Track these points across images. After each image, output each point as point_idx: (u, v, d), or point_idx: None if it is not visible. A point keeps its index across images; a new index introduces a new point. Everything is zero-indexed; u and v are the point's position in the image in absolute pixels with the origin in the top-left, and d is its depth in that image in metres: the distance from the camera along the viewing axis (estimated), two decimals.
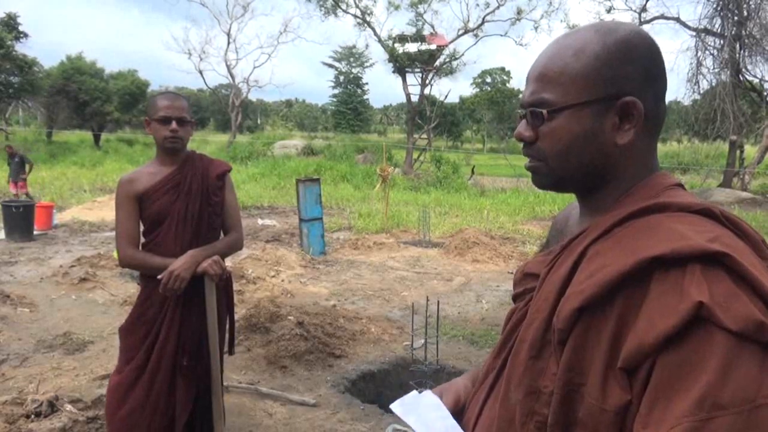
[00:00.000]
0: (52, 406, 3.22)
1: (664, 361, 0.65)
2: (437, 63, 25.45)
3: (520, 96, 0.92)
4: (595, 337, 0.72)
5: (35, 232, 8.74)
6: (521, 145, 0.91)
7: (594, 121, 0.82)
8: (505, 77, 48.56)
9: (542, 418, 0.77)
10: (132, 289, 6.03)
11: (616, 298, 0.71)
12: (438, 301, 4.90)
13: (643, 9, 20.57)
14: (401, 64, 24.84)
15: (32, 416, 3.14)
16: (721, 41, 18.44)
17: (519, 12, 24.21)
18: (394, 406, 1.03)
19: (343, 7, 24.93)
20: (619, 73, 0.81)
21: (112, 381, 2.39)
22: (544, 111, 0.84)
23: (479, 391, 0.97)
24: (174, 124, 2.30)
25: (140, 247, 2.40)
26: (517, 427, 0.81)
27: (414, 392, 1.08)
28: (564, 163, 0.86)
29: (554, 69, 0.84)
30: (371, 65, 50.96)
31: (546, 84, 0.85)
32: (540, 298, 0.83)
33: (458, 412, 1.03)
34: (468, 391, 1.07)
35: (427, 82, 25.63)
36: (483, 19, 24.35)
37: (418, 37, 24.98)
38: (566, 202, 0.98)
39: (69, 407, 3.25)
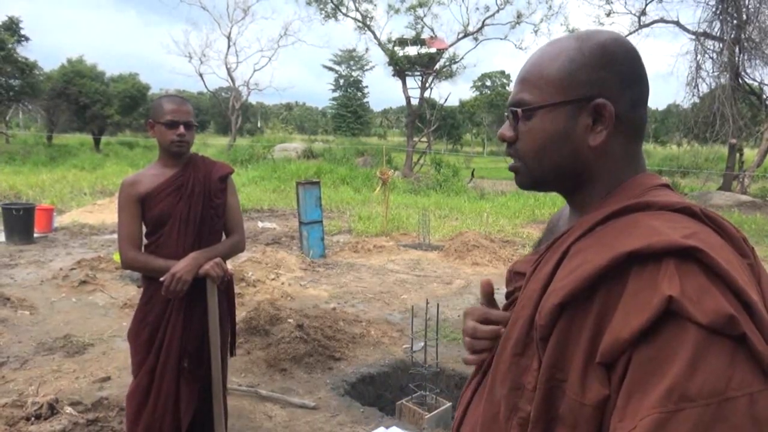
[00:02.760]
0: (52, 409, 3.22)
1: (639, 355, 0.67)
2: (437, 66, 25.49)
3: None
4: (576, 333, 0.73)
5: (35, 235, 8.74)
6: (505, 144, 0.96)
7: (567, 122, 0.86)
8: (504, 80, 48.64)
9: (525, 415, 0.79)
10: (132, 291, 6.03)
11: (596, 294, 0.73)
12: (438, 304, 4.91)
13: (643, 12, 20.62)
14: (401, 68, 24.88)
15: (32, 418, 3.14)
16: (721, 45, 18.49)
17: (519, 16, 24.26)
18: None
19: (344, 10, 24.99)
20: (593, 76, 0.84)
21: (130, 387, 2.43)
22: (519, 110, 0.89)
23: (467, 388, 0.98)
24: (182, 129, 2.32)
25: (142, 249, 2.41)
26: (501, 423, 0.83)
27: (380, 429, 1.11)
28: (538, 163, 0.90)
29: (534, 72, 0.89)
30: (371, 68, 51.05)
31: (526, 86, 0.90)
32: (525, 297, 0.85)
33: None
34: None
35: (427, 85, 25.67)
36: (483, 22, 24.41)
37: (418, 41, 25.02)
38: (565, 205, 1.00)
39: (69, 410, 3.26)
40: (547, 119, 0.87)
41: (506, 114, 0.94)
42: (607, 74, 0.84)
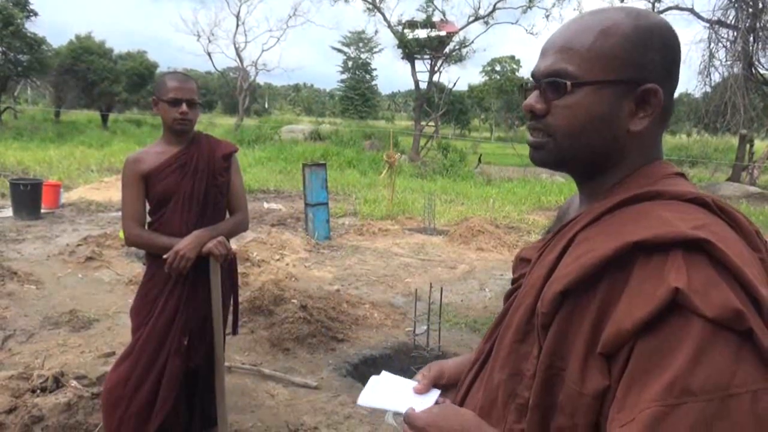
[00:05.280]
0: (58, 382, 3.26)
1: (642, 346, 0.66)
2: (447, 50, 25.25)
3: (533, 68, 0.88)
4: (578, 321, 0.73)
5: (42, 211, 8.78)
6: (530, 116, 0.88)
7: (613, 103, 0.81)
8: (514, 66, 48.09)
9: (523, 401, 0.78)
10: (137, 268, 6.07)
11: (599, 283, 0.72)
12: (441, 289, 4.92)
13: None
14: (410, 51, 24.65)
15: (38, 391, 3.18)
16: (735, 33, 18.20)
17: (531, 0, 23.94)
18: (362, 401, 1.03)
19: None
20: (645, 58, 0.80)
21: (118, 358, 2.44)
22: (568, 82, 0.81)
23: (468, 374, 0.98)
24: (184, 107, 2.31)
25: (146, 227, 2.41)
26: (499, 408, 0.82)
27: (372, 378, 1.10)
28: (573, 142, 0.84)
29: (581, 42, 0.81)
30: (380, 51, 50.75)
31: (571, 56, 0.82)
32: (528, 284, 0.84)
33: (441, 386, 1.06)
34: (457, 367, 1.09)
35: (436, 69, 25.45)
36: (494, 6, 24.11)
37: (428, 24, 24.76)
38: (572, 193, 0.98)
39: (74, 383, 3.30)
40: (593, 96, 0.81)
41: (530, 84, 0.87)
42: (659, 59, 0.80)
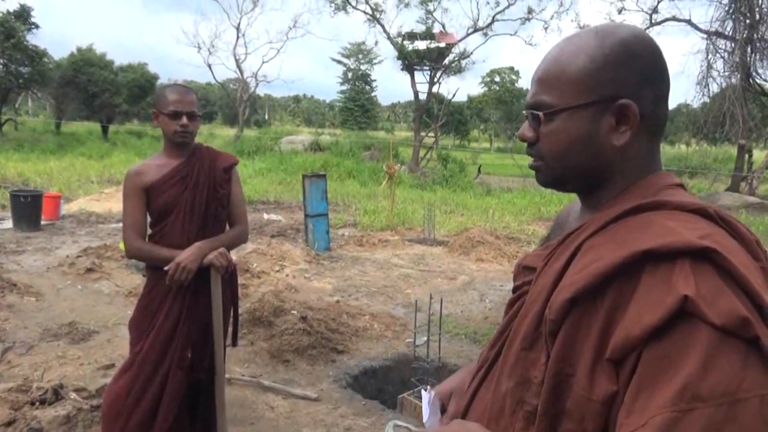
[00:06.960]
0: (57, 394, 3.24)
1: (650, 353, 0.67)
2: (446, 61, 25.37)
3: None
4: (585, 328, 0.74)
5: (42, 222, 8.79)
6: (526, 144, 0.94)
7: (590, 123, 0.84)
8: (513, 77, 48.24)
9: (531, 408, 0.79)
10: (137, 280, 6.06)
11: (607, 290, 0.73)
12: (441, 299, 4.91)
13: (655, 10, 20.43)
14: (410, 62, 24.77)
15: (37, 403, 3.17)
16: (732, 44, 18.32)
17: (529, 11, 24.07)
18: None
19: (353, 3, 24.87)
20: (615, 75, 0.82)
21: (117, 371, 2.43)
22: (541, 114, 0.87)
23: (472, 381, 0.99)
24: (185, 119, 2.32)
25: (147, 239, 2.42)
26: (507, 416, 0.83)
27: (423, 393, 1.13)
28: (562, 164, 0.88)
29: (553, 71, 0.87)
30: (380, 62, 50.82)
31: (545, 86, 0.87)
32: (535, 291, 0.85)
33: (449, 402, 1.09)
34: (459, 379, 1.11)
35: (436, 80, 25.56)
36: (493, 18, 24.25)
37: (428, 35, 24.89)
38: (571, 202, 1.00)
39: (73, 395, 3.28)
40: (569, 121, 0.85)
41: (525, 114, 0.93)
42: (629, 72, 0.82)
